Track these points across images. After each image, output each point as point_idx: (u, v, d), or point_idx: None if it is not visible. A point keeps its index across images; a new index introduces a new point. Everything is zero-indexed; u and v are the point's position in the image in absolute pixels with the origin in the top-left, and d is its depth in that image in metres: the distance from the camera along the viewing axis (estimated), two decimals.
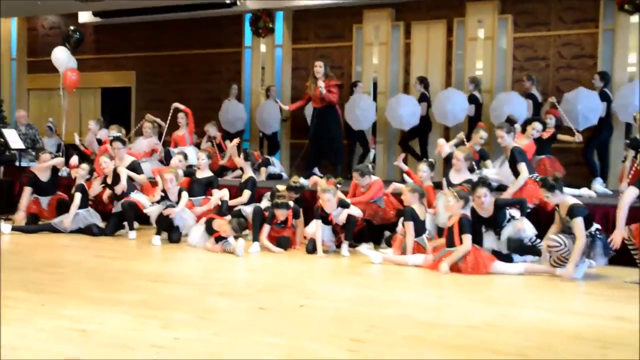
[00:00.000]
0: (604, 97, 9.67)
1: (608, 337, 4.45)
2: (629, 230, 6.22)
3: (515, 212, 7.01)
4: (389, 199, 8.18)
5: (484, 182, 7.02)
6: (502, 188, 8.40)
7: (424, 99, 10.78)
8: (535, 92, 10.27)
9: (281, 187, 8.41)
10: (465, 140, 8.86)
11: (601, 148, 9.84)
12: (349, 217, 7.56)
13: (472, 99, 10.48)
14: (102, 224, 8.80)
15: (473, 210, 7.00)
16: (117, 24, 14.04)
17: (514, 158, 7.62)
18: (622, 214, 6.15)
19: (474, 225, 6.83)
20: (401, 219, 7.37)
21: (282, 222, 7.80)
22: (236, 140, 9.35)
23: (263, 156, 11.07)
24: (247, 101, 12.82)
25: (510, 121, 8.19)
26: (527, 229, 6.93)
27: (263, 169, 10.49)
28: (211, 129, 11.25)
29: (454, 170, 7.92)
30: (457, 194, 6.88)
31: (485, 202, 6.89)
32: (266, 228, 7.80)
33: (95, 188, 8.98)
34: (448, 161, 8.22)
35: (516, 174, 7.62)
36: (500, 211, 6.96)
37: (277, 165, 11.36)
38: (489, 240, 7.01)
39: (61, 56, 11.65)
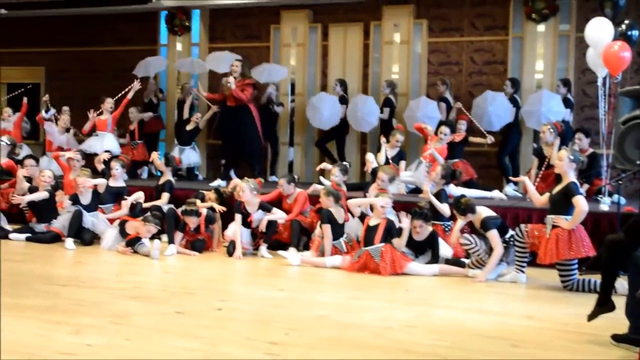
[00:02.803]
0: (514, 102, 10.01)
1: (518, 335, 4.60)
2: (522, 229, 6.34)
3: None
4: (312, 212, 7.95)
5: (420, 213, 6.96)
6: (417, 191, 8.57)
7: (343, 101, 10.85)
8: (449, 96, 10.50)
9: (208, 193, 8.23)
10: (385, 142, 8.97)
11: (511, 152, 10.16)
12: (270, 222, 7.50)
13: (387, 102, 10.63)
14: (8, 227, 8.43)
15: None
16: (25, 17, 13.46)
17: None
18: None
19: (408, 245, 6.95)
20: (319, 222, 7.39)
21: (196, 229, 7.67)
22: (155, 154, 9.03)
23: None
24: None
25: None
26: (443, 249, 7.03)
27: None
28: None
29: (376, 188, 7.70)
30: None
31: (421, 232, 6.94)
32: (179, 236, 7.66)
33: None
34: (374, 175, 8.05)
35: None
36: (435, 243, 6.97)
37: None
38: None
39: None
